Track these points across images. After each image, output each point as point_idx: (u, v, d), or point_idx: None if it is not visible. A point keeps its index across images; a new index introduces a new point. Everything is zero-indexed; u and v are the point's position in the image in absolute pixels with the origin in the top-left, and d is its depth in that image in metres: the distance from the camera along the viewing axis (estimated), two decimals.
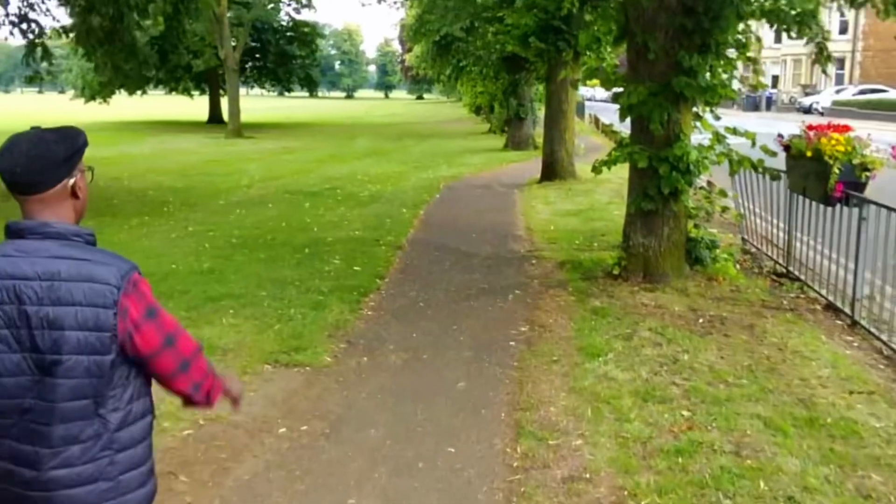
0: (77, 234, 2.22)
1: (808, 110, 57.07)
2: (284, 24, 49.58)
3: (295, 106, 78.99)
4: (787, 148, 8.23)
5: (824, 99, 56.12)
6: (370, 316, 7.72)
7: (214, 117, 47.74)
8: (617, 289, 8.50)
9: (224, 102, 51.71)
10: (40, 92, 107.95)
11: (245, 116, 53.56)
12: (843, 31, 61.23)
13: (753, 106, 64.67)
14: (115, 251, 2.27)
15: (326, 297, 8.14)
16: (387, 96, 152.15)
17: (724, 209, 9.30)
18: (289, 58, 48.72)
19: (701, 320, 7.33)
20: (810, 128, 7.94)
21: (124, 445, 2.23)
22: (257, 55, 47.89)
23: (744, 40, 8.66)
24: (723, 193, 9.19)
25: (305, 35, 49.39)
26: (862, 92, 54.84)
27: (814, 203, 8.00)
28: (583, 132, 27.09)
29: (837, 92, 56.37)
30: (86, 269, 2.13)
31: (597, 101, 62.53)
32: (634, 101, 8.17)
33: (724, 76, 8.43)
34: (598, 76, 9.32)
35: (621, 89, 8.89)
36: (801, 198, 8.38)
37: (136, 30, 38.63)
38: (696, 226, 8.99)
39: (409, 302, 8.22)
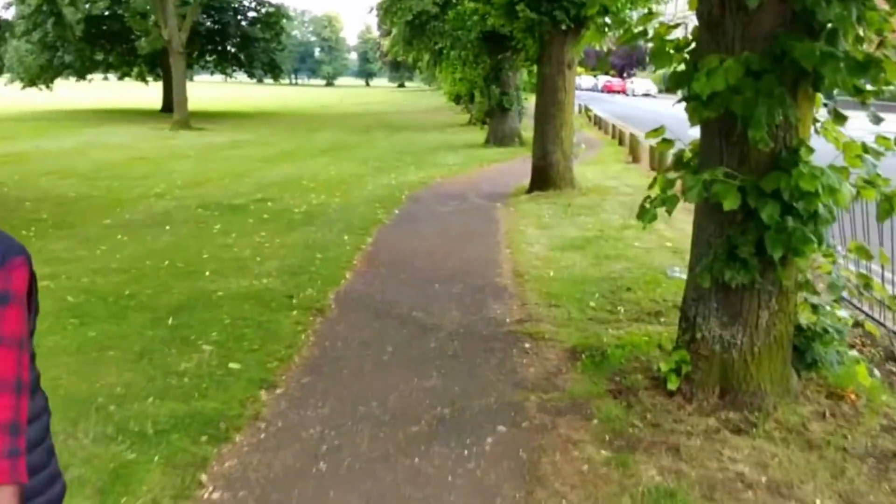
0: None
1: None
2: (247, 4, 45.41)
3: (264, 94, 74.69)
4: None
5: None
6: None
7: (169, 105, 43.46)
8: (679, 424, 4.74)
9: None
10: None
11: (204, 104, 49.64)
12: None
13: None
14: None
15: (143, 454, 4.32)
16: (367, 84, 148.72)
17: (866, 282, 5.32)
18: (251, 41, 44.54)
19: None
20: None
21: None
22: (217, 38, 43.68)
23: None
24: (864, 254, 5.23)
25: (270, 17, 45.22)
26: None
27: None
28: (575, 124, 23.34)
29: None
30: None
31: (582, 90, 58.76)
32: (720, 87, 4.35)
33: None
34: (628, 41, 5.39)
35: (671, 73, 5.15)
36: None
37: (67, 5, 34.69)
38: (814, 307, 5.18)
39: (301, 457, 4.41)
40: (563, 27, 12.91)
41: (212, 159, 20.85)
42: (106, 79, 49.88)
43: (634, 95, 68.79)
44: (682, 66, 5.14)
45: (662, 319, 6.77)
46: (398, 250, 9.75)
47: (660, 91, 71.88)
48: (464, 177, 17.19)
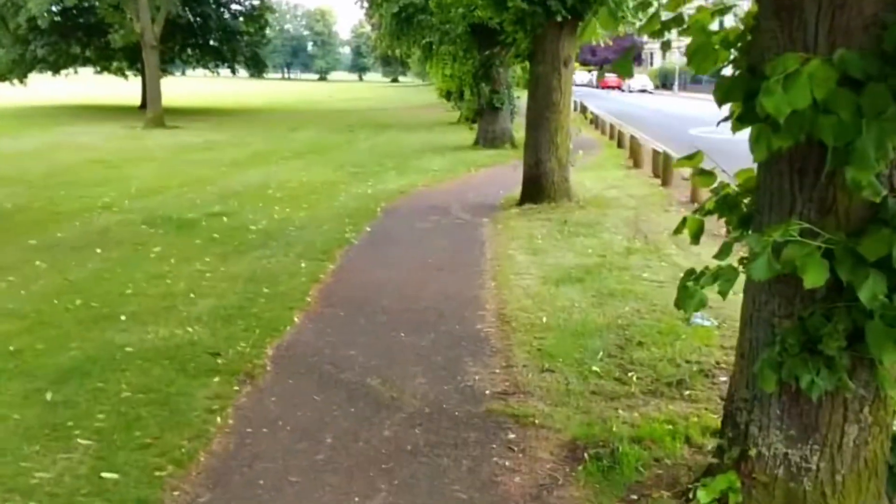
0: None
1: None
2: None
3: (252, 89, 72.92)
4: None
5: None
6: None
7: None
8: None
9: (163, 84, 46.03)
10: None
11: (185, 101, 47.95)
12: None
13: None
14: None
15: None
16: (361, 79, 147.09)
17: None
18: (234, 35, 42.83)
19: None
20: None
21: None
22: (198, 31, 41.95)
23: None
24: None
25: (254, 10, 43.53)
26: None
27: None
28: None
29: None
30: None
31: (576, 86, 57.19)
32: (803, 103, 2.80)
33: None
34: (654, 31, 3.77)
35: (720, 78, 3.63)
36: None
37: None
38: None
39: None
40: (559, 19, 11.37)
41: (177, 163, 19.26)
42: (76, 73, 48.08)
43: (630, 91, 67.22)
44: (728, 69, 3.61)
45: (686, 392, 5.25)
46: (362, 283, 8.20)
47: (655, 87, 70.54)
48: (449, 184, 15.64)
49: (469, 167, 17.95)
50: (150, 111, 29.55)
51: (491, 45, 19.66)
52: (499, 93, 21.68)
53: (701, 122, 32.67)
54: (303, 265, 8.78)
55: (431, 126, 31.86)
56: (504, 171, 17.13)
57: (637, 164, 17.45)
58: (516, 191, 13.60)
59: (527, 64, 14.41)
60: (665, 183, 14.59)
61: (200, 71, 52.42)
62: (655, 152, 16.21)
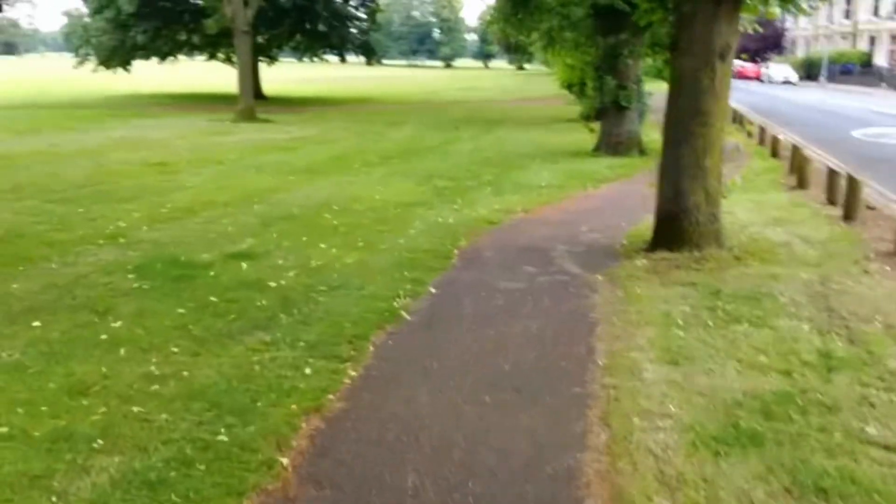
0: None
1: None
2: None
3: (365, 76, 70.50)
4: None
5: None
6: None
7: (254, 90, 39.74)
8: None
9: (270, 72, 44.07)
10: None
11: (289, 90, 45.75)
12: None
13: None
14: None
15: None
16: (486, 66, 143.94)
17: None
18: (343, 20, 40.25)
19: None
20: None
21: None
22: (304, 17, 39.51)
23: None
24: None
25: None
26: None
27: None
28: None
29: None
30: None
31: None
32: None
33: None
34: None
35: None
36: None
37: None
38: None
39: None
40: None
41: (244, 167, 16.55)
42: (190, 60, 46.62)
43: (772, 82, 61.66)
44: None
45: None
46: (386, 423, 4.97)
47: (801, 78, 64.53)
48: (557, 209, 12.23)
49: (586, 183, 14.43)
50: (242, 102, 27.12)
51: (617, 32, 16.08)
52: (626, 88, 18.02)
53: (865, 121, 28.05)
54: (308, 370, 5.64)
55: (549, 123, 28.35)
56: (630, 190, 13.63)
57: (802, 183, 13.61)
58: (644, 222, 10.18)
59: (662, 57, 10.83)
60: (848, 216, 10.82)
61: (317, 58, 50.26)
62: (832, 173, 12.35)
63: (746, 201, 11.90)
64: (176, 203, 12.29)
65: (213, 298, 7.31)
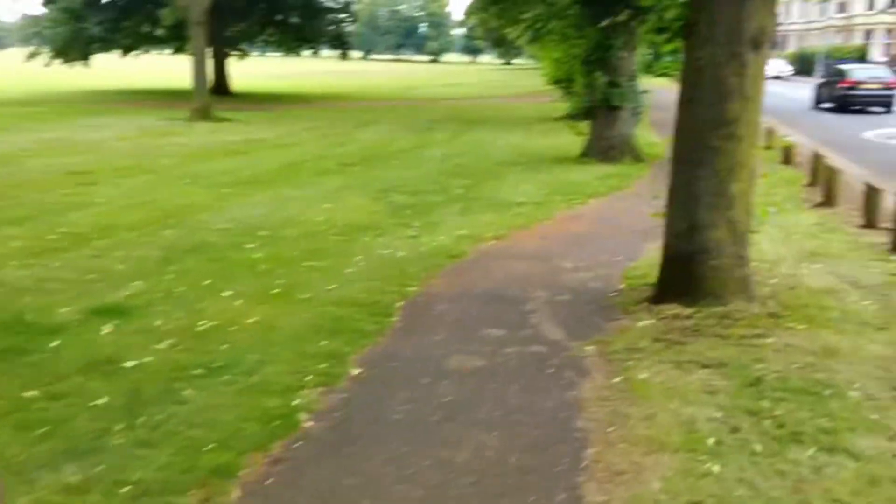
0: None
1: None
2: None
3: (345, 71, 67.83)
4: None
5: None
6: None
7: (220, 86, 37.43)
8: None
9: (245, 66, 41.73)
10: None
11: (260, 85, 43.26)
12: None
13: None
14: None
15: None
16: (473, 61, 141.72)
17: None
18: (317, 12, 37.86)
19: None
20: None
21: None
22: (275, 9, 37.12)
23: None
24: None
25: None
26: None
27: None
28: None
29: None
30: None
31: None
32: None
33: None
34: None
35: None
36: None
37: None
38: None
39: None
40: None
41: (179, 176, 14.29)
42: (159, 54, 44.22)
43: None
44: None
45: None
46: None
47: (795, 73, 62.50)
48: (537, 234, 9.97)
49: (571, 198, 12.15)
50: (196, 100, 24.74)
51: (605, 15, 13.85)
52: (619, 85, 15.77)
53: (873, 121, 25.93)
54: None
55: (533, 122, 26.10)
56: (625, 208, 11.45)
57: (830, 199, 11.42)
58: (646, 256, 8.07)
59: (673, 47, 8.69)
60: None
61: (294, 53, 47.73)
62: (872, 190, 10.14)
63: (769, 225, 9.66)
64: (72, 226, 10.02)
65: (31, 393, 5.05)
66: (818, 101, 33.02)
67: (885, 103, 30.20)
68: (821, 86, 34.01)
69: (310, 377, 5.34)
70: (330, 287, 7.41)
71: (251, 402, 4.95)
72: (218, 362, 5.57)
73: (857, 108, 30.13)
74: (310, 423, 4.75)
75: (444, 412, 4.92)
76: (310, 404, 4.97)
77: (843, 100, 30.60)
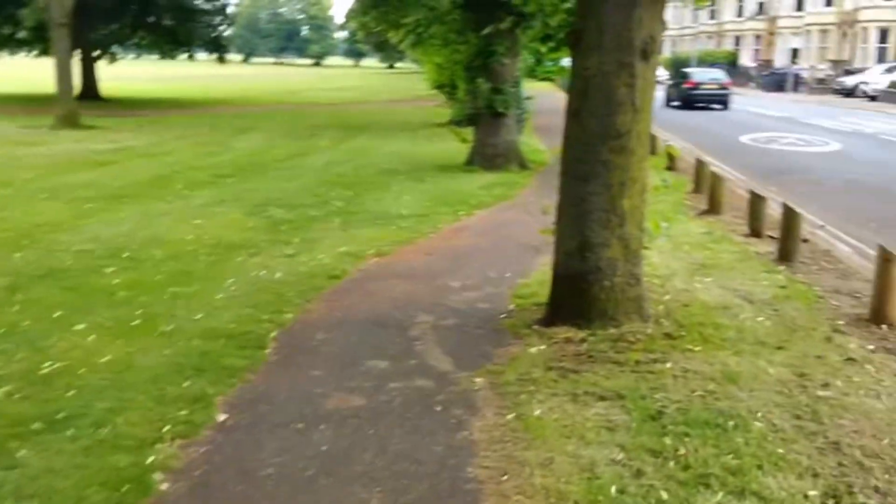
0: None
1: (850, 92, 46.16)
2: None
3: (225, 74, 66.08)
4: None
5: (875, 79, 44.97)
6: None
7: (89, 91, 35.63)
8: None
9: (117, 70, 39.96)
10: None
11: (133, 90, 41.39)
12: None
13: (776, 85, 52.97)
14: None
15: None
16: (356, 65, 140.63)
17: None
18: (190, 14, 36.53)
19: None
20: None
21: None
22: (147, 10, 35.60)
23: None
24: None
25: None
26: None
27: None
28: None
29: (890, 70, 45.05)
30: None
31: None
32: None
33: None
34: None
35: None
36: None
37: None
38: None
39: None
40: None
41: (34, 191, 13.21)
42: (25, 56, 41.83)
43: None
44: None
45: None
46: None
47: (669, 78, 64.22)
48: (421, 250, 9.52)
49: (457, 209, 11.77)
50: (61, 106, 23.27)
51: (488, 20, 13.56)
52: (502, 92, 15.51)
53: (749, 125, 26.63)
54: None
55: (418, 128, 25.68)
56: (512, 219, 11.14)
57: (714, 207, 11.39)
58: (536, 272, 7.76)
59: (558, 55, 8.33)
60: (786, 257, 8.57)
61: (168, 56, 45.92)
62: (756, 198, 10.11)
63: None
64: None
65: None
66: (668, 100, 36.76)
67: (721, 101, 34.80)
68: (670, 87, 37.99)
69: (168, 427, 4.73)
70: (196, 317, 6.76)
71: (98, 463, 4.31)
72: (62, 413, 4.89)
73: (700, 105, 34.23)
74: (165, 486, 4.16)
75: (319, 464, 4.39)
76: (166, 461, 4.37)
77: (687, 98, 34.88)
